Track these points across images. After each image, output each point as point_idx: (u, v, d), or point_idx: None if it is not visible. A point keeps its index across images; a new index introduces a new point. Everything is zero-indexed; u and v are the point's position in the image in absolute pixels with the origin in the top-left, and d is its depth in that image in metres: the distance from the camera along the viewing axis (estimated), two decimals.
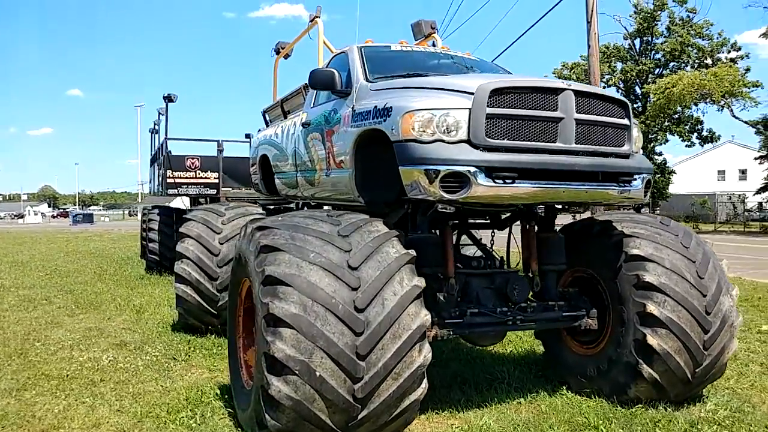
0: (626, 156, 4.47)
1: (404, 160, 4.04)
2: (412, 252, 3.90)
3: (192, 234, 7.35)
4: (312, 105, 6.18)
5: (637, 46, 44.68)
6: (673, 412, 4.59)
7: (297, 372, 3.43)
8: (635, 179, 4.44)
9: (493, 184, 3.87)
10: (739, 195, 42.63)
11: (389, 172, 4.56)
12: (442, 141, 3.95)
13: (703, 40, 41.79)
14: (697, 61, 41.75)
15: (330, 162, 5.40)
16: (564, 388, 5.20)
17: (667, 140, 43.49)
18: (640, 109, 41.43)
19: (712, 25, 41.51)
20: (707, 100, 34.84)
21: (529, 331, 6.51)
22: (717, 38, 41.45)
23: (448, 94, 4.14)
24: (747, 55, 41.60)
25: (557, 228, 5.30)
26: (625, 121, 4.47)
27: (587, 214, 6.08)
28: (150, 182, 17.44)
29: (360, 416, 3.60)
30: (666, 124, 41.08)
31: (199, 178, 13.21)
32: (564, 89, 4.11)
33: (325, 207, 7.34)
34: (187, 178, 13.07)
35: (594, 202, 4.64)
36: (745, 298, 9.82)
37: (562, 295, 5.07)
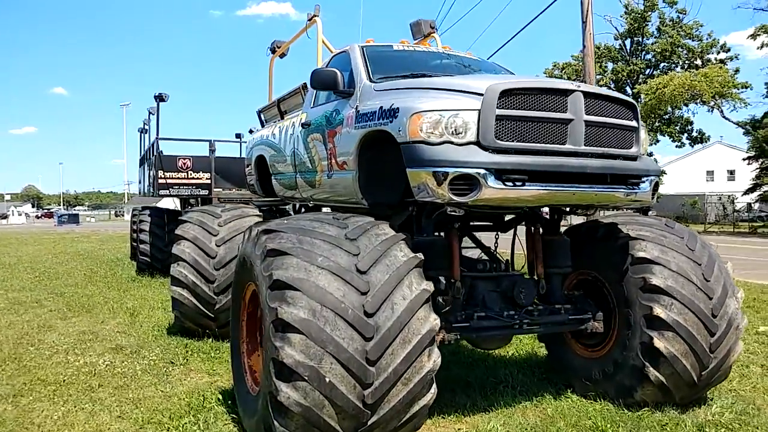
0: (634, 158, 4.45)
1: (412, 161, 3.98)
2: (420, 255, 3.85)
3: (188, 236, 7.25)
4: (312, 105, 6.11)
5: (628, 47, 44.95)
6: (679, 415, 4.57)
7: (306, 378, 3.37)
8: (643, 181, 4.41)
9: (503, 187, 3.83)
10: (729, 195, 42.96)
11: (393, 173, 4.51)
12: (451, 143, 3.90)
13: (693, 41, 42.15)
14: (687, 61, 42.13)
15: (332, 163, 5.34)
16: (569, 391, 5.18)
17: (657, 141, 43.80)
18: None
19: (701, 26, 41.97)
20: (697, 101, 35.12)
21: (529, 334, 6.46)
22: (706, 39, 41.82)
23: (457, 95, 4.08)
24: (736, 57, 42.03)
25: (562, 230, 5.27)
26: (633, 123, 4.44)
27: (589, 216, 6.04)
28: (139, 183, 17.29)
29: (369, 422, 3.54)
30: (656, 124, 41.34)
31: (190, 178, 13.09)
32: (574, 90, 4.08)
33: (324, 209, 7.31)
34: (178, 178, 12.94)
35: (600, 204, 4.61)
36: None
37: (567, 298, 5.04)
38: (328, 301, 3.47)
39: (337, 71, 5.12)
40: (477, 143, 3.90)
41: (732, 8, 55.78)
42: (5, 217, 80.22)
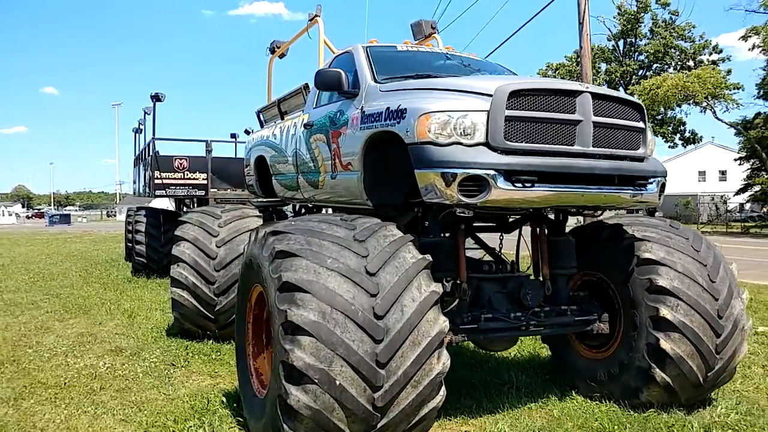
0: (641, 159, 4.45)
1: (420, 162, 3.96)
2: (429, 257, 3.83)
3: (188, 237, 7.20)
4: (314, 106, 6.08)
5: (621, 48, 45.13)
6: (685, 417, 4.57)
7: (316, 381, 3.34)
8: (650, 182, 4.42)
9: (513, 188, 3.81)
10: (722, 196, 43.20)
11: (398, 174, 4.50)
12: (460, 143, 3.88)
13: (685, 42, 42.36)
14: (679, 63, 42.32)
15: (336, 164, 5.30)
16: (573, 392, 5.17)
17: None
18: None
19: (694, 27, 42.18)
20: (690, 102, 35.30)
21: (535, 335, 6.45)
22: (699, 40, 42.04)
23: (465, 96, 4.06)
24: (728, 58, 42.28)
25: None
26: (640, 124, 4.44)
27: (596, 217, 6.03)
28: (134, 183, 17.17)
29: (379, 425, 3.52)
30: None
31: (187, 178, 13.01)
32: (582, 92, 4.07)
33: (324, 209, 7.28)
34: (175, 178, 12.86)
35: (606, 206, 4.60)
36: None
37: (572, 299, 5.03)
38: (338, 303, 3.44)
39: (341, 72, 5.08)
40: (486, 144, 3.88)
41: (724, 10, 55.82)
42: None
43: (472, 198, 3.81)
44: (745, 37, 35.51)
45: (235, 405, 4.74)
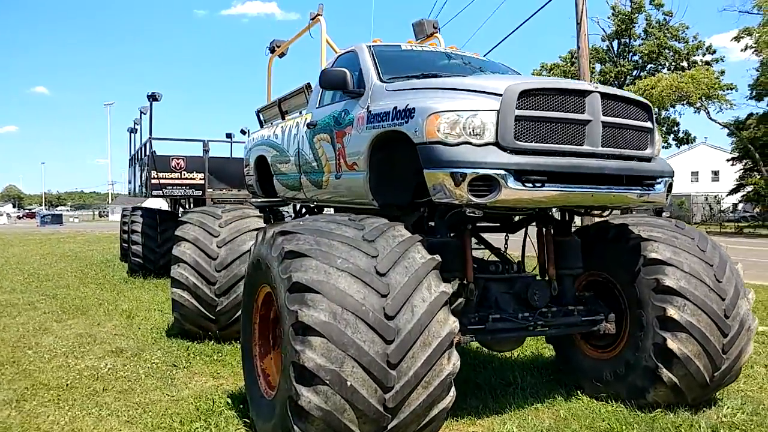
0: (649, 159, 4.44)
1: (429, 162, 3.94)
2: (438, 257, 3.81)
3: (189, 237, 7.17)
4: (317, 105, 6.04)
5: (615, 48, 45.29)
6: (692, 417, 4.57)
7: (327, 382, 3.32)
8: (658, 183, 4.41)
9: (522, 188, 3.80)
10: (715, 196, 43.41)
11: (404, 174, 4.48)
12: (469, 143, 3.86)
13: (679, 42, 42.54)
14: (673, 63, 42.49)
15: (340, 164, 5.27)
16: (579, 392, 5.16)
17: None
18: None
19: (687, 28, 42.36)
20: (684, 102, 35.43)
21: (542, 336, 6.44)
22: (692, 41, 42.24)
23: (475, 95, 4.05)
24: (722, 59, 42.50)
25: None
26: (649, 124, 4.44)
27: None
28: (130, 183, 17.09)
29: (390, 426, 3.50)
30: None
31: (184, 178, 12.96)
32: (591, 91, 4.06)
33: (326, 210, 7.25)
34: (172, 178, 12.81)
35: (614, 206, 4.60)
36: None
37: (578, 299, 5.03)
38: (349, 303, 3.42)
39: (347, 71, 5.05)
40: (496, 144, 3.86)
41: (718, 10, 56.18)
42: None
43: (482, 198, 3.79)
44: (737, 38, 35.68)
45: (240, 406, 4.71)
